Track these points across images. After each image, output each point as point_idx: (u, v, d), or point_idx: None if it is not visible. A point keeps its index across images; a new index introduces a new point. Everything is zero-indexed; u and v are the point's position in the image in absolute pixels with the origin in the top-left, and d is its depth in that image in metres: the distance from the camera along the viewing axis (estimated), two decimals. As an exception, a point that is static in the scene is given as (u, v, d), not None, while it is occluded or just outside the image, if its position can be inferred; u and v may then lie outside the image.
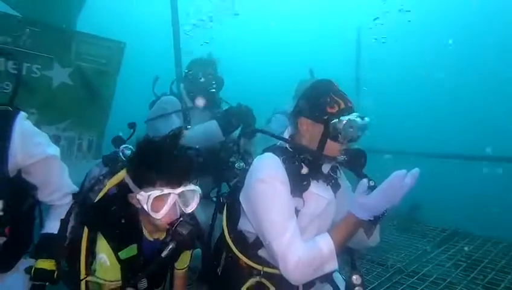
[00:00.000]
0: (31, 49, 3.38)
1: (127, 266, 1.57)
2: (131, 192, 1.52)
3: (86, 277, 1.57)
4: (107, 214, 1.57)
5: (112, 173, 1.71)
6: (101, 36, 3.98)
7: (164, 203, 1.46)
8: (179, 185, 1.47)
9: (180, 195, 1.47)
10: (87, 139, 3.96)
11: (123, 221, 1.56)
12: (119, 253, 1.55)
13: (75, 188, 1.91)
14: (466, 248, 3.87)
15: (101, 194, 1.67)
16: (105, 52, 3.97)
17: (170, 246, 1.48)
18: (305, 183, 1.68)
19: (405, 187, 1.43)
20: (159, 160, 1.46)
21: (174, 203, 1.47)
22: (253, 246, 1.70)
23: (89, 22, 4.31)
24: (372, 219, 1.53)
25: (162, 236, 1.58)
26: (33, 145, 1.65)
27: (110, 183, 1.67)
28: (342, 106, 1.63)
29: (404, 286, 3.07)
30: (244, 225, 1.73)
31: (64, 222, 1.72)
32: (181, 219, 1.50)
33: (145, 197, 1.44)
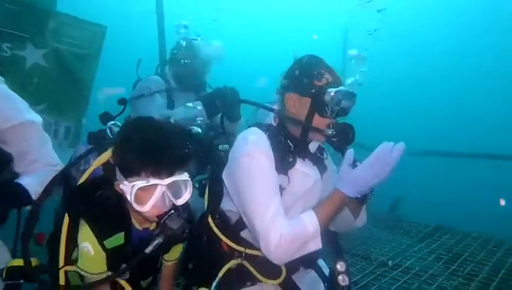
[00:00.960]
0: (4, 26, 3.21)
1: (113, 256, 1.41)
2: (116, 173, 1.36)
3: (64, 266, 1.42)
4: (92, 199, 1.42)
5: (99, 152, 1.53)
6: (82, 18, 3.82)
7: (150, 195, 1.28)
8: (169, 175, 1.28)
9: (169, 186, 1.30)
10: (64, 126, 3.79)
11: (109, 207, 1.39)
12: (104, 241, 1.38)
13: (61, 164, 1.72)
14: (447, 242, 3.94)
15: (85, 176, 1.51)
16: (86, 35, 3.82)
17: (156, 242, 1.31)
18: (290, 160, 1.61)
19: (393, 161, 1.37)
20: (146, 145, 1.27)
21: (163, 195, 1.30)
22: (235, 227, 1.62)
23: (72, 4, 4.12)
24: (359, 196, 1.47)
25: (152, 226, 1.45)
26: (10, 109, 1.51)
27: (96, 164, 1.50)
28: (330, 79, 1.57)
29: (388, 278, 3.08)
30: (226, 204, 1.65)
31: (45, 191, 1.49)
32: (172, 211, 1.33)
33: (128, 188, 1.27)
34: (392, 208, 4.99)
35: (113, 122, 1.73)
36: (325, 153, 1.82)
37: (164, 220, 1.31)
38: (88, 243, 1.37)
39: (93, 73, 3.93)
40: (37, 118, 1.65)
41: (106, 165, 1.46)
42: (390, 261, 3.36)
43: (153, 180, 1.26)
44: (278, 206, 1.46)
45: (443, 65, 10.53)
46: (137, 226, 1.46)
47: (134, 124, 1.38)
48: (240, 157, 1.53)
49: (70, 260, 1.45)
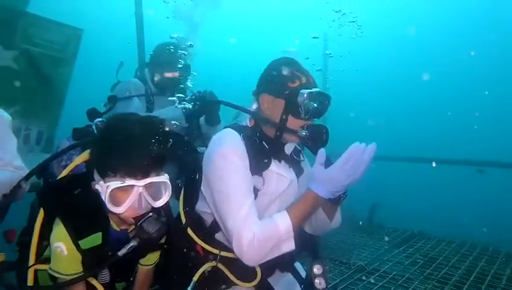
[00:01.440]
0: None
1: (89, 257, 1.34)
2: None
3: (34, 264, 1.35)
4: (69, 196, 1.35)
5: (83, 148, 1.47)
6: (57, 21, 3.73)
7: (126, 196, 1.24)
8: (145, 176, 1.23)
9: (146, 187, 1.25)
10: (36, 130, 3.66)
11: (87, 206, 1.32)
12: (79, 242, 1.32)
13: (24, 168, 1.65)
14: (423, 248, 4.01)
15: (65, 171, 1.45)
16: (61, 38, 3.73)
17: (130, 245, 1.27)
18: (265, 161, 1.60)
19: (365, 162, 1.39)
20: (120, 145, 1.22)
21: (140, 197, 1.25)
22: (210, 229, 1.59)
23: (46, 6, 4.02)
24: (332, 197, 1.47)
25: (131, 228, 1.39)
26: None
27: (78, 160, 1.45)
28: (304, 80, 1.58)
29: (365, 282, 3.09)
30: (201, 206, 1.63)
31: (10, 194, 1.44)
32: (150, 214, 1.28)
33: (103, 188, 1.22)
34: (370, 214, 5.06)
35: (100, 119, 1.66)
36: (301, 155, 1.83)
37: (141, 223, 1.26)
38: (62, 243, 1.30)
39: (69, 77, 3.84)
40: (4, 115, 1.57)
41: (88, 162, 1.40)
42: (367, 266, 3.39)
43: (129, 181, 1.22)
44: (251, 207, 1.45)
45: (424, 70, 10.85)
46: (115, 227, 1.41)
47: (110, 123, 1.33)
48: (213, 158, 1.51)
49: (41, 259, 1.38)
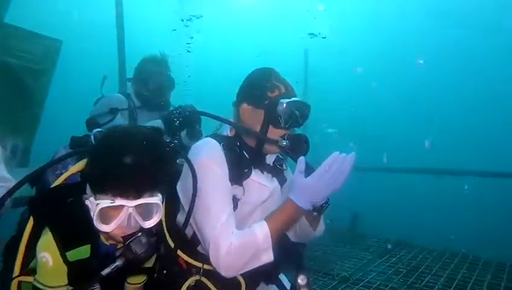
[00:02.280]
0: None
1: (76, 270, 1.27)
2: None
3: (19, 276, 1.29)
4: (61, 205, 1.30)
5: (79, 157, 1.43)
6: (35, 32, 3.66)
7: (115, 215, 1.20)
8: (138, 197, 1.19)
9: (137, 207, 1.21)
10: (11, 144, 3.53)
11: (78, 216, 1.26)
12: (67, 253, 1.26)
13: (11, 179, 1.60)
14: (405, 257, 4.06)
15: (59, 180, 1.40)
16: (39, 49, 3.66)
17: (115, 264, 1.22)
18: (246, 170, 1.59)
19: (345, 171, 1.39)
20: (114, 163, 1.17)
21: (129, 217, 1.21)
22: (192, 241, 1.56)
23: (26, 17, 3.94)
24: (312, 207, 1.46)
25: (120, 244, 1.33)
26: None
27: (73, 170, 1.40)
28: (283, 90, 1.58)
29: (350, 293, 3.09)
30: (182, 218, 1.59)
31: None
32: (139, 234, 1.23)
33: (93, 205, 1.18)
34: (352, 224, 5.09)
35: (99, 129, 1.61)
36: (284, 165, 1.83)
37: (129, 243, 1.22)
38: (48, 253, 1.24)
39: (46, 89, 3.75)
40: None
41: (83, 173, 1.37)
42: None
43: (119, 201, 1.18)
44: (229, 216, 1.43)
45: (403, 80, 11.11)
46: (105, 240, 1.36)
47: (106, 139, 1.28)
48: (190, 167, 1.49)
49: (27, 270, 1.31)
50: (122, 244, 1.28)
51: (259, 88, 1.58)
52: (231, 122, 1.67)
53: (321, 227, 1.79)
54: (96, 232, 1.31)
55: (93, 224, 1.25)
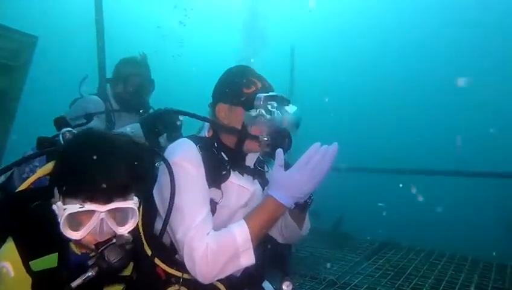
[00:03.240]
0: None
1: (41, 281, 1.16)
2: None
3: None
4: (24, 211, 1.19)
5: (49, 160, 1.33)
6: (9, 27, 3.48)
7: (86, 221, 1.10)
8: (109, 201, 1.10)
9: (110, 212, 1.11)
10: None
11: (44, 222, 1.16)
12: (30, 262, 1.15)
13: None
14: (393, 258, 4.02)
15: (25, 184, 1.29)
16: (13, 45, 3.48)
17: (87, 275, 1.11)
18: (224, 172, 1.51)
19: (327, 163, 1.32)
20: (83, 166, 1.09)
21: (101, 222, 1.11)
22: (170, 249, 1.45)
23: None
24: (295, 202, 1.38)
25: (93, 253, 1.21)
26: None
27: (40, 173, 1.30)
28: (259, 85, 1.52)
29: (337, 297, 3.02)
30: (160, 224, 1.49)
31: None
32: (113, 241, 1.13)
33: (60, 211, 1.08)
34: (335, 226, 5.03)
35: (68, 128, 1.49)
36: (265, 166, 1.75)
37: (101, 250, 1.11)
38: (8, 263, 1.13)
39: (21, 86, 3.57)
40: None
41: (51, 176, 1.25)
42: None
43: (89, 206, 1.08)
44: (205, 217, 1.35)
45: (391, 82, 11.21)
46: (75, 249, 1.24)
47: (75, 140, 1.20)
48: (165, 168, 1.40)
49: None
50: (95, 253, 1.17)
51: (234, 85, 1.51)
52: (210, 119, 1.59)
53: (307, 226, 1.73)
54: (66, 240, 1.19)
55: (61, 232, 1.14)
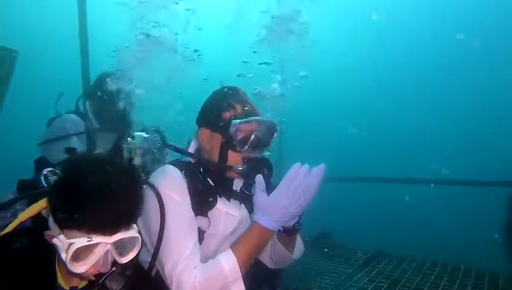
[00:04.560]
0: None
1: None
2: (48, 229, 1.11)
3: None
4: (7, 252, 1.14)
5: (29, 202, 1.28)
6: (-13, 41, 3.39)
7: (90, 253, 1.06)
8: (115, 232, 1.07)
9: (115, 243, 1.08)
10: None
11: (29, 261, 1.11)
12: None
13: None
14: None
15: (8, 228, 1.23)
16: (-9, 59, 3.38)
17: None
18: (210, 199, 1.45)
19: (314, 185, 1.28)
20: (88, 195, 1.04)
21: (106, 254, 1.08)
22: (156, 281, 1.39)
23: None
24: (282, 227, 1.34)
25: (81, 284, 1.19)
26: None
27: (23, 216, 1.23)
28: (239, 110, 1.46)
29: (330, 313, 2.95)
30: (144, 254, 1.42)
31: None
32: (113, 269, 1.11)
33: (64, 245, 1.03)
34: (319, 238, 4.93)
35: (49, 169, 1.42)
36: (253, 189, 1.70)
37: (103, 281, 1.09)
38: None
39: (1, 101, 3.46)
40: None
41: (36, 218, 1.21)
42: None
43: (97, 238, 1.04)
44: (192, 250, 1.30)
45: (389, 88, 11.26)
46: (63, 284, 1.19)
47: (78, 165, 1.12)
48: (150, 197, 1.33)
49: None
50: (85, 284, 1.16)
51: (214, 109, 1.47)
52: (189, 153, 1.55)
53: (299, 248, 1.68)
54: (53, 277, 1.16)
55: (49, 268, 1.13)
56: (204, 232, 1.42)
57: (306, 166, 1.30)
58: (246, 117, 1.43)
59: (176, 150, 1.62)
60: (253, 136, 1.41)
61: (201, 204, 1.42)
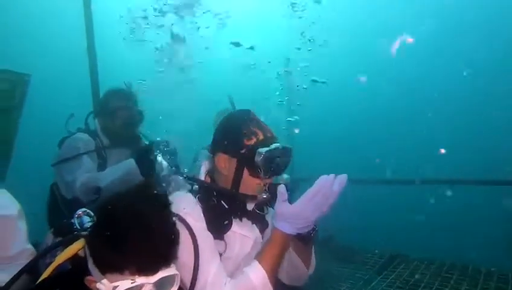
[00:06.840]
0: None
1: None
2: (89, 273, 1.13)
3: None
4: None
5: (66, 244, 1.30)
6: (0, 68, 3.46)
7: None
8: (157, 271, 1.09)
9: (156, 284, 1.09)
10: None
11: None
12: None
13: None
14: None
15: (46, 272, 1.25)
16: (5, 85, 3.45)
17: None
18: (225, 223, 1.47)
19: (334, 194, 1.30)
20: (128, 237, 1.06)
21: None
22: None
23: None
24: (299, 233, 1.36)
25: None
26: None
27: (60, 259, 1.26)
28: (261, 136, 1.47)
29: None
30: None
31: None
32: None
33: (108, 287, 1.06)
34: (325, 241, 4.89)
35: (83, 209, 1.44)
36: (265, 209, 1.70)
37: None
38: None
39: (15, 127, 3.52)
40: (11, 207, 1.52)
41: (74, 259, 1.24)
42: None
43: (140, 279, 1.06)
44: (218, 268, 1.33)
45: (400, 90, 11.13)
46: None
47: (109, 212, 1.14)
48: (181, 228, 1.36)
49: None
50: None
51: (234, 136, 1.46)
52: (204, 182, 1.55)
53: (313, 262, 1.71)
54: None
55: None
56: (221, 255, 1.44)
57: (332, 176, 1.31)
58: (269, 145, 1.44)
59: (188, 178, 1.63)
60: (275, 163, 1.43)
61: (217, 228, 1.44)
